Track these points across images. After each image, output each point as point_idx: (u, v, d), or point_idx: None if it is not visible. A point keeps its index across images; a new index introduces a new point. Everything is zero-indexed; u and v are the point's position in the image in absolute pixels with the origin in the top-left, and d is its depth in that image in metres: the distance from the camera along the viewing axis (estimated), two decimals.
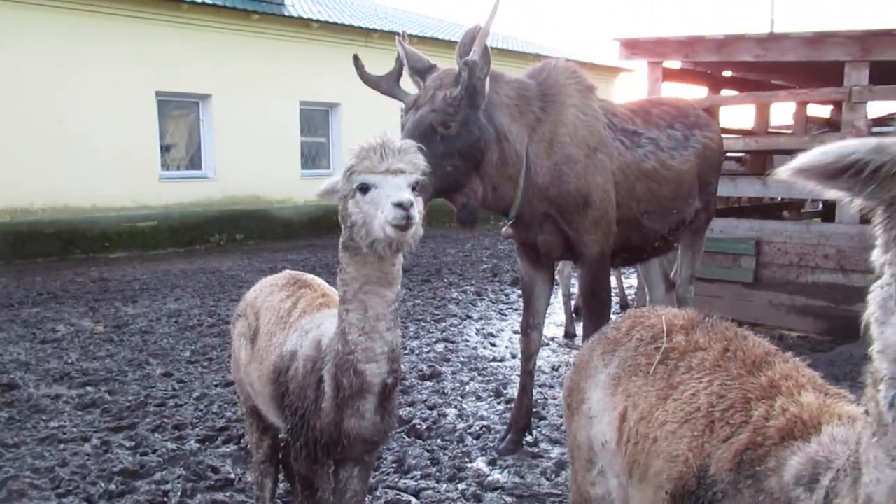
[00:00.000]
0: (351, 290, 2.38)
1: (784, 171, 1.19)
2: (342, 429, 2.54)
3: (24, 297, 9.47)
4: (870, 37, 6.35)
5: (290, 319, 2.83)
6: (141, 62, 13.77)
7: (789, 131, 10.15)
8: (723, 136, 7.41)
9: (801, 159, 1.16)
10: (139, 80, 13.83)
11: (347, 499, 2.85)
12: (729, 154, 9.32)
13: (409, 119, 3.80)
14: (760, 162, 10.03)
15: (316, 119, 17.32)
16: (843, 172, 1.11)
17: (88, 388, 5.65)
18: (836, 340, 6.41)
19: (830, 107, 10.55)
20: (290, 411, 2.67)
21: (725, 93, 8.90)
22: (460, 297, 9.50)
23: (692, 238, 5.18)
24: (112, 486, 3.91)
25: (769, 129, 9.60)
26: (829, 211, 8.74)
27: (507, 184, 3.99)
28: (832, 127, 9.89)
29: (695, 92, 8.86)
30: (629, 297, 8.71)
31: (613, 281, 9.49)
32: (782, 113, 14.70)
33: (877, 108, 8.72)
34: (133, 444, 4.55)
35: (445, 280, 10.82)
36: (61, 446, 4.50)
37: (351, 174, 2.28)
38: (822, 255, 6.93)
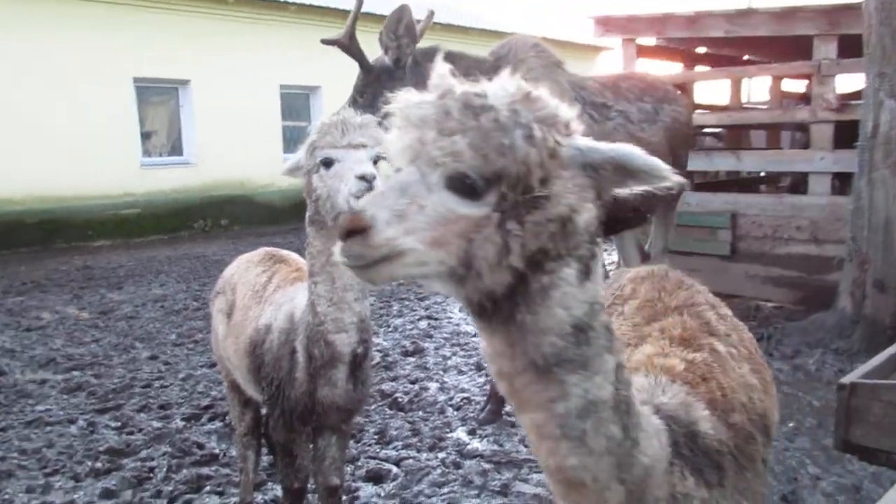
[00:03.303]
0: (318, 263, 2.47)
1: None
2: (316, 398, 2.64)
3: (8, 286, 9.48)
4: (837, 11, 6.45)
5: (265, 294, 2.92)
6: (117, 49, 13.64)
7: (765, 106, 10.27)
8: (697, 111, 7.53)
9: None
10: (116, 68, 13.73)
11: (326, 466, 2.94)
12: (706, 130, 9.44)
13: None
14: (736, 137, 10.15)
15: (297, 103, 17.26)
16: None
17: (74, 373, 5.72)
18: (808, 309, 6.57)
19: (807, 81, 10.67)
20: (266, 382, 2.77)
21: (699, 69, 8.99)
22: None
23: (665, 210, 5.29)
24: (98, 465, 4.00)
25: (745, 105, 9.71)
26: (795, 183, 8.89)
27: None
28: (806, 101, 10.02)
29: (670, 68, 8.95)
30: (609, 272, 8.84)
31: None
32: (763, 89, 14.83)
33: (846, 82, 8.85)
34: (119, 424, 4.64)
35: None
36: (48, 428, 4.58)
37: (314, 150, 2.36)
38: (796, 227, 7.06)
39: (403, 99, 1.24)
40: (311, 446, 2.93)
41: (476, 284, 1.20)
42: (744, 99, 10.55)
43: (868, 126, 5.73)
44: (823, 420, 4.35)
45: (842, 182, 7.37)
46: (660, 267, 2.20)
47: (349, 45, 4.15)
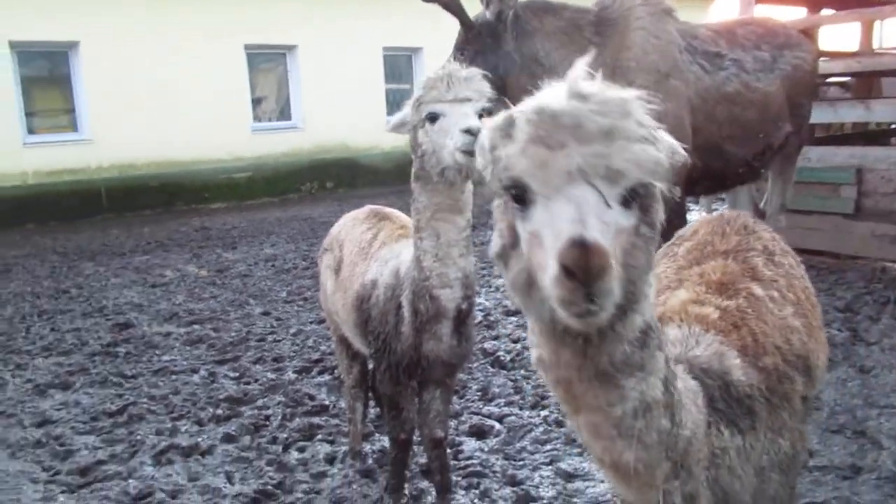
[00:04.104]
0: (423, 218, 2.48)
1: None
2: (421, 352, 2.68)
3: (135, 245, 10.17)
4: None
5: (370, 250, 2.97)
6: (229, 16, 14.14)
7: None
8: (822, 59, 6.99)
9: None
10: (229, 34, 14.24)
11: (431, 419, 3.00)
12: (831, 79, 8.78)
13: None
14: (866, 85, 9.37)
15: (399, 65, 17.36)
16: None
17: (195, 326, 6.09)
18: None
19: None
20: (372, 337, 2.84)
21: (825, 13, 8.33)
22: None
23: (783, 165, 4.98)
24: (219, 411, 4.26)
25: (877, 51, 8.94)
26: None
27: None
28: None
29: (792, 13, 8.35)
30: None
31: (703, 215, 9.22)
32: None
33: None
34: (237, 374, 4.91)
35: None
36: (173, 377, 4.91)
37: (419, 105, 2.36)
38: None
39: (555, 109, 1.09)
40: (416, 400, 3.00)
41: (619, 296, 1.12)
42: (875, 44, 9.73)
43: None
44: None
45: None
46: (734, 212, 2.14)
47: (449, 2, 4.10)
